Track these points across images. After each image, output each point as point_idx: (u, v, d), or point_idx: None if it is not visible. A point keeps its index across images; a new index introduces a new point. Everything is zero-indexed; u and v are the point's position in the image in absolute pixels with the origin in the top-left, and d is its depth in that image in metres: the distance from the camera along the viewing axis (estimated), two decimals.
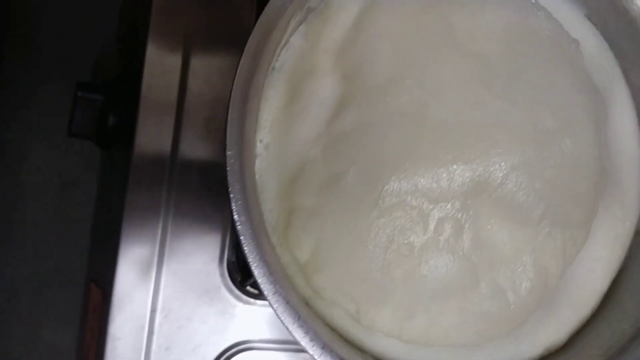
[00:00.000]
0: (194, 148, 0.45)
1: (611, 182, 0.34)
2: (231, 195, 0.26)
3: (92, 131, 0.46)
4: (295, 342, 0.44)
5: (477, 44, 0.31)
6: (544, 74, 0.32)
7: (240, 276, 0.44)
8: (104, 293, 0.45)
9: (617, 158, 0.35)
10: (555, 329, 0.33)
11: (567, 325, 0.33)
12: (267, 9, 0.27)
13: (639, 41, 0.34)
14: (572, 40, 0.33)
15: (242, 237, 0.26)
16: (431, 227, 0.29)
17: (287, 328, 0.26)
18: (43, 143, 0.61)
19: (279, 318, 0.26)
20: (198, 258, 0.44)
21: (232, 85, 0.26)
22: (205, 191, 0.45)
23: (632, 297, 0.33)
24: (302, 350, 0.44)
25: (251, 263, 0.26)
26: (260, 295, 0.44)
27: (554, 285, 0.32)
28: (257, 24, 0.27)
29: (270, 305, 0.26)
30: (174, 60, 0.45)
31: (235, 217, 0.26)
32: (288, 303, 0.26)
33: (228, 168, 0.26)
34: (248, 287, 0.44)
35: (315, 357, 0.26)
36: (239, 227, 0.26)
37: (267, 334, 0.44)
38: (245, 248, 0.26)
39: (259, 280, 0.26)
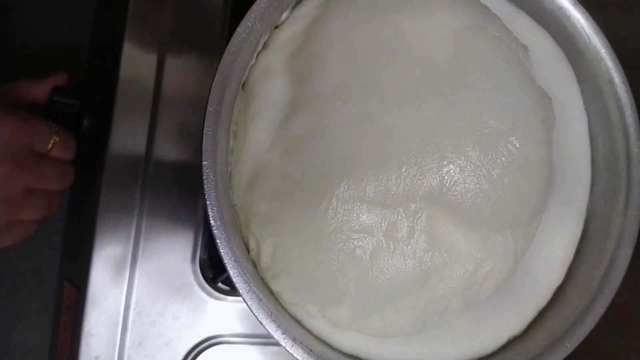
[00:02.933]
0: (168, 151, 0.46)
1: (565, 185, 0.36)
2: (207, 203, 0.28)
3: None
4: (263, 336, 0.47)
5: (426, 49, 0.31)
6: (491, 76, 0.32)
7: (212, 273, 0.46)
8: (78, 291, 0.47)
9: (570, 162, 0.37)
10: (517, 322, 0.36)
11: (527, 318, 0.36)
12: (239, 29, 0.29)
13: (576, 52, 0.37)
14: (520, 45, 0.34)
15: (218, 241, 0.28)
16: (382, 231, 0.30)
17: (261, 323, 0.28)
18: None
19: (254, 314, 0.28)
20: (171, 256, 0.46)
21: (207, 101, 0.28)
22: (178, 192, 0.46)
23: (575, 287, 0.36)
24: (270, 344, 0.47)
25: (227, 264, 0.28)
26: (231, 292, 0.46)
27: (505, 279, 0.33)
28: (229, 44, 0.29)
29: (245, 302, 0.28)
30: (149, 66, 0.46)
31: (212, 222, 0.28)
32: (261, 300, 0.28)
33: (204, 177, 0.28)
34: (219, 284, 0.46)
35: (287, 348, 0.28)
36: (215, 231, 0.28)
37: (237, 329, 0.47)
38: (222, 250, 0.28)
39: (234, 280, 0.28)
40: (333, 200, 0.30)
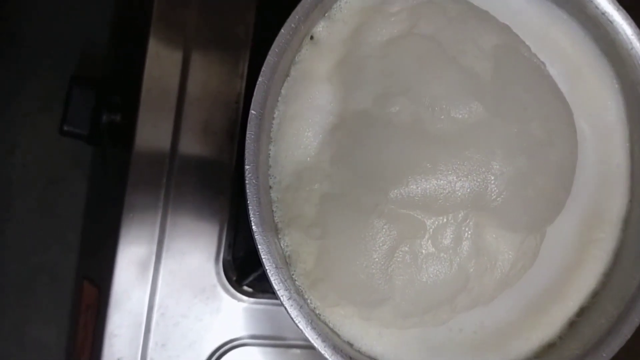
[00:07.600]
0: (192, 151, 0.46)
1: (603, 193, 0.37)
2: (250, 208, 0.27)
3: (84, 128, 0.46)
4: (286, 339, 0.46)
5: (468, 59, 0.32)
6: (531, 88, 0.33)
7: (236, 275, 0.46)
8: (99, 291, 0.46)
9: (610, 170, 0.37)
10: (552, 328, 0.36)
11: (564, 324, 0.36)
12: (283, 30, 0.29)
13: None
14: (540, 62, 0.35)
15: (259, 246, 0.27)
16: (430, 237, 0.30)
17: (302, 330, 0.28)
18: (30, 140, 0.61)
19: (294, 321, 0.28)
20: (195, 256, 0.45)
21: (251, 103, 0.27)
22: (203, 192, 0.46)
23: (610, 295, 0.36)
24: (292, 347, 0.47)
25: (268, 270, 0.28)
26: (254, 294, 0.46)
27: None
28: (272, 46, 0.28)
29: (286, 309, 0.28)
30: (174, 64, 0.46)
31: (254, 228, 0.27)
32: (302, 308, 0.28)
33: (247, 182, 0.27)
34: (244, 286, 0.46)
35: (327, 356, 0.28)
36: (257, 237, 0.27)
37: (260, 331, 0.46)
38: (263, 257, 0.27)
39: (276, 287, 0.28)
40: (383, 206, 0.30)
